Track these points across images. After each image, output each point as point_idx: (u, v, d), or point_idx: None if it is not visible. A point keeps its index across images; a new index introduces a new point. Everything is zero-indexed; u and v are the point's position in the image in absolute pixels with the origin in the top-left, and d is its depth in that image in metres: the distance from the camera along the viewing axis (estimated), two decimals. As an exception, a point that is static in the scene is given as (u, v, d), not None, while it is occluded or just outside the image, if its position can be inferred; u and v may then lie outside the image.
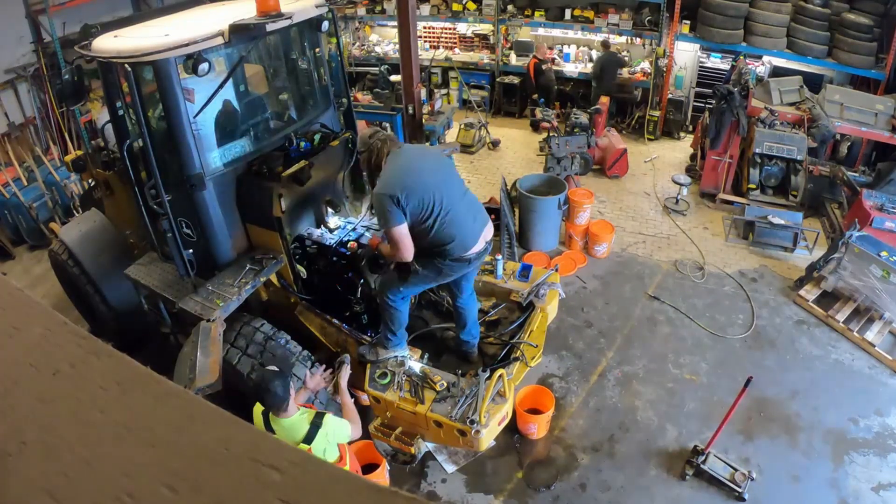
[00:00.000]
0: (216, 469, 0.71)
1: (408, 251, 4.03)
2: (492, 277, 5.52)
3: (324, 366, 4.39)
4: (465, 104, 12.28)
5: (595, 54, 11.86)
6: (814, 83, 9.69)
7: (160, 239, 4.99)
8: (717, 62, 11.01)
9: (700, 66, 11.19)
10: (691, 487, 5.03)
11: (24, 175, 8.85)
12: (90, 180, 6.43)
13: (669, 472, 5.17)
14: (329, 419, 3.64)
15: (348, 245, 5.24)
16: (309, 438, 3.52)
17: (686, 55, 11.19)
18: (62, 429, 0.77)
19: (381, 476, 4.82)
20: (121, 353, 0.87)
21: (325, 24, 5.14)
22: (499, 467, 5.25)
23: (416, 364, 4.68)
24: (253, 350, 4.61)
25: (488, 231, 4.42)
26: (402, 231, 3.93)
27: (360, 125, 8.47)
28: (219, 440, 0.75)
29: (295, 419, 3.58)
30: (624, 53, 11.85)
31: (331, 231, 5.37)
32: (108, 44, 4.23)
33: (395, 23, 8.86)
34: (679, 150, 10.95)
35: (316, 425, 3.56)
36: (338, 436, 3.70)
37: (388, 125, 9.12)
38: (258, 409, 3.68)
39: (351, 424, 3.85)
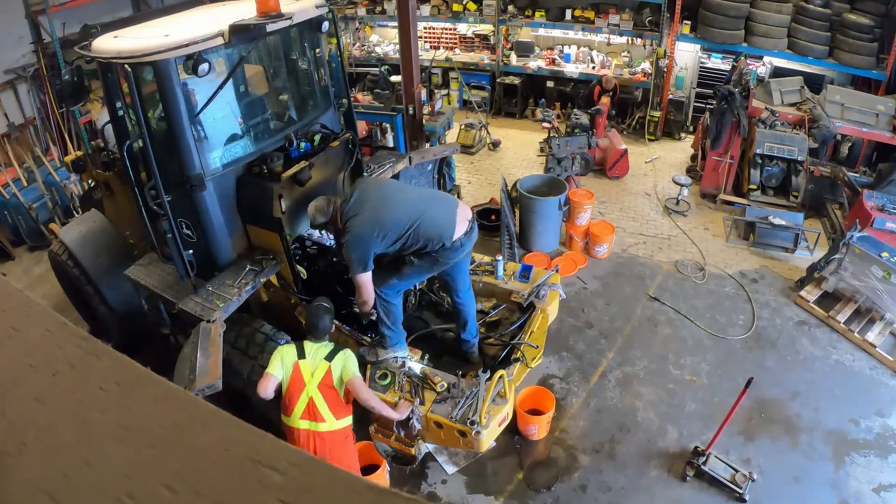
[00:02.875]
0: (216, 470, 0.71)
1: (365, 296, 4.48)
2: (492, 278, 5.52)
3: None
4: (465, 105, 12.28)
5: (596, 54, 11.87)
6: (815, 84, 9.69)
7: (160, 239, 4.99)
8: (718, 63, 11.01)
9: (701, 67, 11.19)
10: (692, 488, 5.02)
11: (24, 176, 8.85)
12: (90, 181, 6.43)
13: (670, 473, 5.17)
14: (349, 352, 4.18)
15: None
16: (330, 356, 4.08)
17: (687, 56, 11.19)
18: (62, 429, 0.77)
19: (382, 477, 4.82)
20: (120, 353, 0.87)
21: (326, 25, 5.15)
22: (499, 468, 5.25)
23: (416, 365, 4.68)
24: (253, 351, 4.61)
25: (463, 210, 4.55)
26: (366, 278, 4.40)
27: (360, 125, 8.50)
28: (219, 441, 0.75)
29: (324, 343, 4.18)
30: (624, 54, 11.85)
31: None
32: (108, 44, 4.24)
33: (396, 23, 8.86)
34: (680, 150, 10.94)
35: (338, 348, 4.16)
36: (349, 367, 4.12)
37: (388, 126, 9.12)
38: (289, 346, 4.19)
39: (367, 388, 4.24)
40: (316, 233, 5.37)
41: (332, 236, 5.35)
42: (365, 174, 5.81)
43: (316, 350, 4.10)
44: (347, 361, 4.10)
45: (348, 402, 4.15)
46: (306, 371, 4.02)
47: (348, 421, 4.16)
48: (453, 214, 4.47)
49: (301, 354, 4.07)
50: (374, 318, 4.78)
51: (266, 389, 3.95)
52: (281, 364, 4.03)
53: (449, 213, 4.47)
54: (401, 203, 4.44)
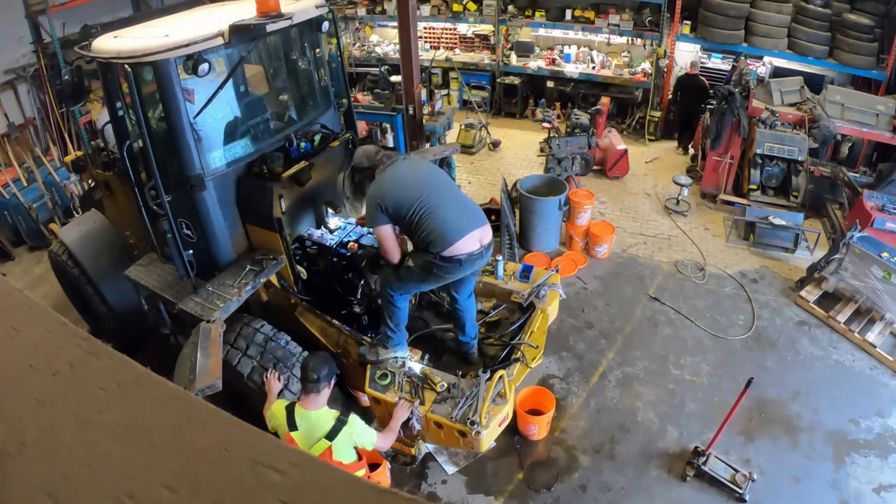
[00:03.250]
0: (216, 470, 0.71)
1: (391, 252, 4.37)
2: (492, 278, 5.52)
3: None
4: (465, 105, 12.28)
5: (596, 55, 11.87)
6: (815, 84, 9.69)
7: (160, 240, 4.99)
8: (718, 63, 11.01)
9: (701, 67, 11.18)
10: (692, 489, 5.02)
11: (24, 176, 8.85)
12: (90, 181, 6.43)
13: (670, 473, 5.17)
14: (355, 419, 3.72)
15: (348, 246, 5.24)
16: (332, 434, 3.60)
17: (687, 55, 11.18)
18: (62, 430, 0.77)
19: (383, 475, 4.82)
20: (120, 353, 0.87)
21: (326, 25, 5.14)
22: (499, 468, 5.25)
23: (416, 365, 4.68)
24: (253, 351, 4.61)
25: (483, 233, 4.32)
26: (384, 231, 4.27)
27: (360, 126, 8.50)
28: (219, 441, 0.75)
29: (322, 413, 3.67)
30: (624, 54, 11.85)
31: (331, 232, 5.38)
32: (108, 44, 4.24)
33: (396, 23, 8.86)
34: (679, 150, 10.94)
35: (342, 422, 3.65)
36: (363, 440, 3.74)
37: (388, 126, 9.12)
38: (280, 404, 3.78)
39: (382, 436, 3.94)
40: (316, 233, 5.36)
41: (332, 236, 5.35)
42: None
43: (312, 423, 3.62)
44: (359, 439, 3.68)
45: (358, 458, 3.85)
46: (301, 443, 3.58)
47: (359, 475, 3.97)
48: (469, 225, 4.24)
49: (292, 425, 3.63)
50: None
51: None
52: (273, 425, 3.75)
53: (464, 221, 4.24)
54: (424, 183, 4.28)
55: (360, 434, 3.72)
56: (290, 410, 3.69)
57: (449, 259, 4.18)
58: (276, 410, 3.78)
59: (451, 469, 5.21)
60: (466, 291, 4.82)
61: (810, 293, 7.01)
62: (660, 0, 10.60)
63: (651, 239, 8.42)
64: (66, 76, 4.85)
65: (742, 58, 10.40)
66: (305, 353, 4.68)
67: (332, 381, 3.75)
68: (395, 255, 4.38)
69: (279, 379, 4.27)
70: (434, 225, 4.14)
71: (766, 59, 10.46)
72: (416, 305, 5.58)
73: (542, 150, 9.23)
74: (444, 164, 7.12)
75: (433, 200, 4.19)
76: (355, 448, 3.76)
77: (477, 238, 4.27)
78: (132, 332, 6.15)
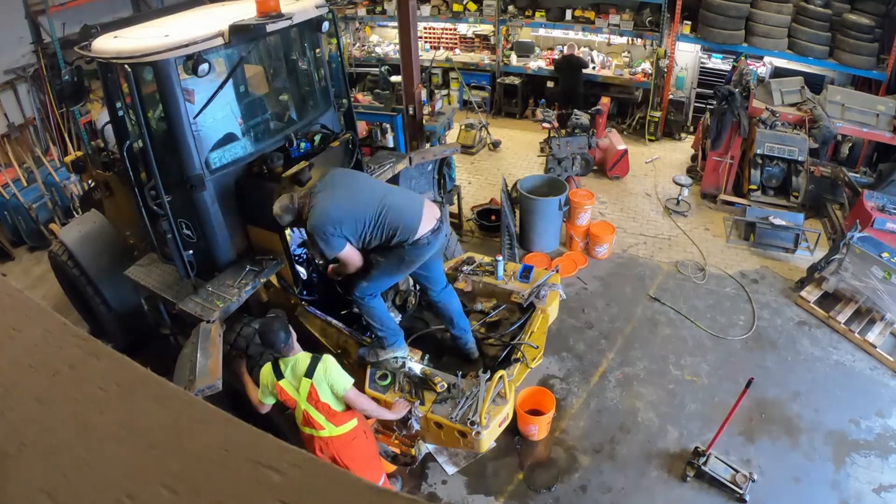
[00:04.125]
0: (216, 470, 0.71)
1: (355, 264, 4.41)
2: (492, 279, 5.51)
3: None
4: (465, 105, 12.28)
5: (596, 55, 11.87)
6: (815, 84, 9.69)
7: (160, 240, 4.98)
8: (718, 63, 11.02)
9: (701, 67, 11.19)
10: (692, 489, 5.02)
11: (24, 176, 8.86)
12: (90, 181, 6.43)
13: (670, 473, 5.17)
14: (328, 358, 3.95)
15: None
16: (310, 372, 3.86)
17: (687, 56, 11.19)
18: (62, 430, 0.77)
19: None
20: (120, 354, 0.87)
21: (326, 25, 5.14)
22: (499, 469, 5.25)
23: (416, 365, 4.67)
24: (253, 351, 4.60)
25: (431, 208, 4.44)
26: (347, 252, 4.27)
27: (361, 126, 8.50)
28: (218, 442, 0.75)
29: (300, 356, 3.94)
30: (624, 54, 11.84)
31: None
32: (108, 44, 4.23)
33: (396, 23, 8.86)
34: (680, 150, 10.94)
35: (316, 359, 3.91)
36: (335, 379, 3.90)
37: (388, 126, 9.12)
38: (267, 366, 4.02)
39: (364, 397, 4.13)
40: None
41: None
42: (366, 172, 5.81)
43: (292, 366, 3.92)
44: (331, 375, 3.89)
45: (346, 408, 4.06)
46: (290, 389, 3.91)
47: (350, 426, 4.09)
48: (419, 206, 4.35)
49: (279, 374, 3.93)
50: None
51: (263, 409, 4.08)
52: (266, 389, 4.00)
53: (414, 205, 4.36)
54: (362, 190, 4.35)
55: (332, 371, 3.90)
56: (275, 364, 3.96)
57: (416, 242, 4.28)
58: (264, 371, 4.00)
59: (451, 469, 5.20)
60: (440, 283, 4.82)
61: (810, 293, 7.01)
62: (660, 0, 10.60)
63: (651, 239, 8.42)
64: (66, 76, 4.85)
65: (742, 58, 10.40)
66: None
67: (290, 332, 3.96)
68: (359, 263, 4.43)
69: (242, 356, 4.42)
70: (394, 220, 4.23)
71: (767, 59, 10.46)
72: (416, 306, 5.58)
73: (542, 150, 9.23)
74: (445, 164, 7.12)
75: (381, 200, 4.26)
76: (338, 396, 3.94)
77: (431, 216, 4.37)
78: (132, 333, 6.16)
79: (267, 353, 4.31)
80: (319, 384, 3.86)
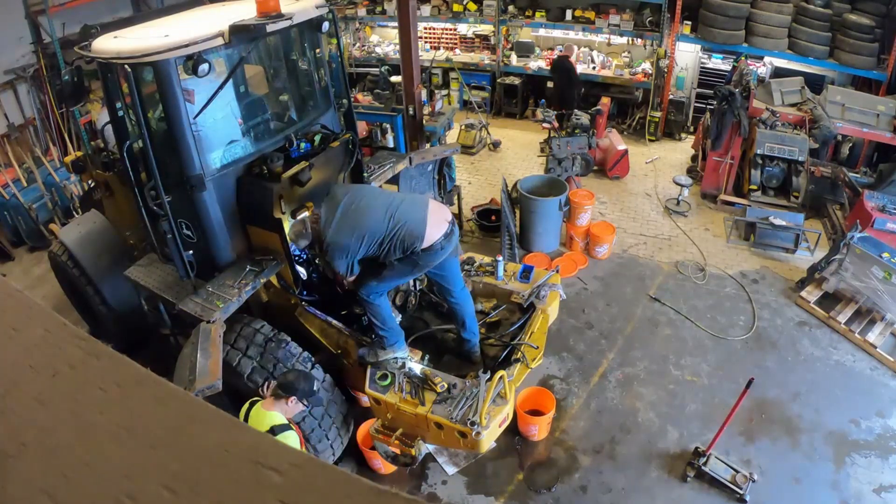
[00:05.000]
0: (216, 471, 0.71)
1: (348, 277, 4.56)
2: (493, 279, 5.52)
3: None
4: (465, 105, 12.27)
5: (596, 55, 11.87)
6: (815, 84, 9.69)
7: (160, 240, 4.98)
8: (719, 63, 11.01)
9: (701, 67, 11.18)
10: (692, 489, 5.02)
11: (24, 176, 8.85)
12: (90, 181, 6.43)
13: (670, 473, 5.16)
14: (289, 436, 3.74)
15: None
16: (272, 432, 3.63)
17: (687, 56, 11.19)
18: (62, 430, 0.77)
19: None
20: (120, 354, 0.87)
21: (326, 25, 5.14)
22: (499, 469, 5.24)
23: (416, 365, 4.68)
24: (253, 352, 4.61)
25: (440, 211, 4.47)
26: (351, 277, 4.50)
27: (361, 126, 8.50)
28: (219, 442, 0.74)
29: (269, 415, 3.77)
30: (624, 54, 11.84)
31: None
32: (108, 44, 4.23)
33: (396, 23, 8.86)
34: (680, 151, 10.94)
35: (274, 432, 3.66)
36: None
37: (388, 126, 9.12)
38: (252, 401, 3.94)
39: None
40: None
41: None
42: (365, 174, 5.81)
43: (258, 416, 3.81)
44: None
45: None
46: None
47: None
48: (424, 213, 4.37)
49: (244, 416, 3.88)
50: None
51: None
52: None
53: (419, 212, 4.37)
54: (370, 209, 4.38)
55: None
56: (251, 404, 3.89)
57: (429, 249, 4.32)
58: (245, 408, 3.94)
59: (451, 469, 5.20)
60: (458, 285, 4.83)
61: (811, 294, 7.01)
62: (660, 0, 10.60)
63: (651, 239, 8.42)
64: (66, 76, 4.86)
65: (742, 58, 10.40)
66: (306, 354, 4.68)
67: (298, 402, 3.82)
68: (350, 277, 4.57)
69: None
70: (406, 232, 4.28)
71: (767, 59, 10.46)
72: (417, 306, 5.58)
73: (542, 150, 9.23)
74: (445, 164, 7.13)
75: (389, 218, 4.31)
76: None
77: (441, 219, 4.41)
78: (132, 333, 6.15)
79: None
80: None
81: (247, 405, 3.94)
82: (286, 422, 3.80)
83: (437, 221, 4.37)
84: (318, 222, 4.38)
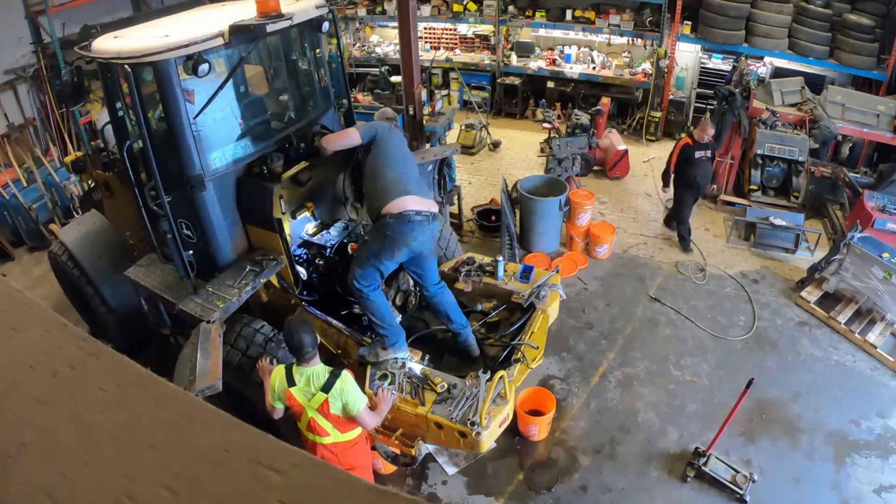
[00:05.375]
0: (216, 471, 0.71)
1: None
2: (493, 279, 5.51)
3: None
4: (465, 105, 12.28)
5: (596, 55, 11.85)
6: (815, 84, 9.69)
7: (160, 240, 4.98)
8: (719, 63, 11.00)
9: (701, 67, 11.18)
10: (692, 489, 5.02)
11: (24, 176, 8.84)
12: (90, 181, 6.43)
13: (670, 474, 5.16)
14: (347, 376, 3.87)
15: (349, 246, 5.24)
16: (327, 387, 3.79)
17: (687, 56, 11.18)
18: (61, 430, 0.77)
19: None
20: (120, 354, 0.87)
21: (326, 25, 5.14)
22: (499, 469, 5.24)
23: (416, 366, 4.68)
24: (253, 352, 4.60)
25: (426, 197, 4.65)
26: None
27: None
28: (219, 442, 0.74)
29: (318, 368, 3.87)
30: (624, 54, 11.84)
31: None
32: (108, 44, 4.23)
33: (396, 24, 8.86)
34: (680, 151, 10.92)
35: (335, 375, 3.83)
36: (351, 398, 3.83)
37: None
38: (279, 368, 3.98)
39: (369, 412, 3.97)
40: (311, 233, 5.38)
41: (331, 236, 5.36)
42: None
43: (308, 377, 3.84)
44: (347, 395, 3.80)
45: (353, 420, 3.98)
46: (301, 398, 3.83)
47: (355, 433, 4.05)
48: (413, 187, 4.60)
49: (290, 381, 3.87)
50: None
51: (276, 415, 4.01)
52: (275, 394, 3.93)
53: (410, 183, 4.61)
54: (399, 148, 4.86)
55: (349, 391, 3.83)
56: (288, 370, 3.90)
57: (398, 216, 4.40)
58: (275, 374, 3.96)
59: (451, 470, 5.20)
60: (433, 279, 4.86)
61: (811, 294, 7.01)
62: (660, 0, 10.60)
63: (651, 239, 8.42)
64: (66, 76, 4.85)
65: (743, 58, 10.39)
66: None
67: (316, 338, 3.94)
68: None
69: (271, 362, 4.28)
70: (382, 185, 4.53)
71: (767, 59, 10.45)
72: (417, 306, 5.58)
73: (542, 150, 9.23)
74: (445, 164, 7.12)
75: (394, 168, 4.62)
76: (351, 415, 3.87)
77: (423, 204, 4.53)
78: (132, 333, 6.15)
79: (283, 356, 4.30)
80: (334, 400, 3.80)
81: (282, 372, 3.92)
82: (330, 368, 3.92)
83: (417, 202, 4.50)
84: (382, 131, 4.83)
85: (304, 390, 3.83)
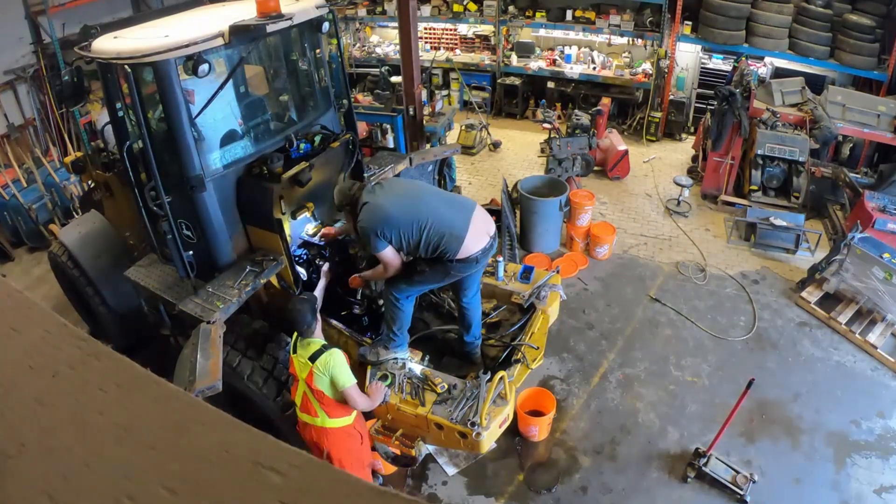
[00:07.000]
0: (216, 471, 0.70)
1: (394, 267, 4.40)
2: (493, 279, 5.51)
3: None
4: (465, 105, 12.28)
5: (596, 55, 11.85)
6: (816, 84, 9.68)
7: (160, 240, 4.98)
8: (719, 63, 11.01)
9: (702, 68, 11.19)
10: (693, 490, 5.02)
11: (24, 177, 8.84)
12: (90, 182, 6.42)
13: (671, 474, 5.16)
14: (337, 352, 4.00)
15: (349, 247, 5.24)
16: (314, 357, 3.93)
17: (687, 56, 11.19)
18: (61, 431, 0.76)
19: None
20: (120, 354, 0.87)
21: (326, 25, 5.14)
22: (500, 470, 5.24)
23: (416, 366, 4.67)
24: (253, 352, 4.60)
25: (484, 223, 4.37)
26: (387, 254, 4.28)
27: (361, 126, 8.50)
28: (219, 442, 0.74)
29: (314, 340, 4.06)
30: (625, 55, 11.84)
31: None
32: (108, 45, 4.23)
33: (396, 24, 8.86)
34: (680, 151, 10.94)
35: (325, 348, 3.99)
36: (336, 373, 3.93)
37: (388, 127, 9.12)
38: (294, 336, 4.13)
39: (359, 393, 4.08)
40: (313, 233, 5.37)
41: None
42: (365, 175, 5.81)
43: (305, 346, 4.03)
44: (334, 368, 3.90)
45: (343, 403, 4.05)
46: (297, 365, 4.04)
47: (344, 421, 4.10)
48: (466, 222, 4.25)
49: (294, 348, 4.11)
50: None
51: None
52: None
53: (461, 220, 4.25)
54: (413, 201, 4.30)
55: (335, 365, 3.93)
56: (296, 339, 4.10)
57: (465, 260, 4.27)
58: (295, 336, 4.14)
59: (451, 470, 5.20)
60: (473, 289, 4.82)
61: (811, 294, 7.01)
62: (660, 0, 10.60)
63: (652, 240, 8.42)
64: (65, 77, 4.85)
65: (743, 58, 10.39)
66: None
67: (315, 315, 4.08)
68: (398, 266, 4.40)
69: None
70: (441, 236, 4.18)
71: (767, 59, 10.45)
72: (417, 307, 5.58)
73: (542, 150, 9.23)
74: (445, 164, 7.12)
75: (430, 214, 4.19)
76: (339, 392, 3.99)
77: (483, 231, 4.34)
78: (132, 333, 6.15)
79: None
80: (318, 373, 3.92)
81: (295, 337, 4.12)
82: (325, 342, 4.08)
83: (478, 233, 4.28)
84: (360, 192, 4.31)
85: (300, 360, 4.01)
